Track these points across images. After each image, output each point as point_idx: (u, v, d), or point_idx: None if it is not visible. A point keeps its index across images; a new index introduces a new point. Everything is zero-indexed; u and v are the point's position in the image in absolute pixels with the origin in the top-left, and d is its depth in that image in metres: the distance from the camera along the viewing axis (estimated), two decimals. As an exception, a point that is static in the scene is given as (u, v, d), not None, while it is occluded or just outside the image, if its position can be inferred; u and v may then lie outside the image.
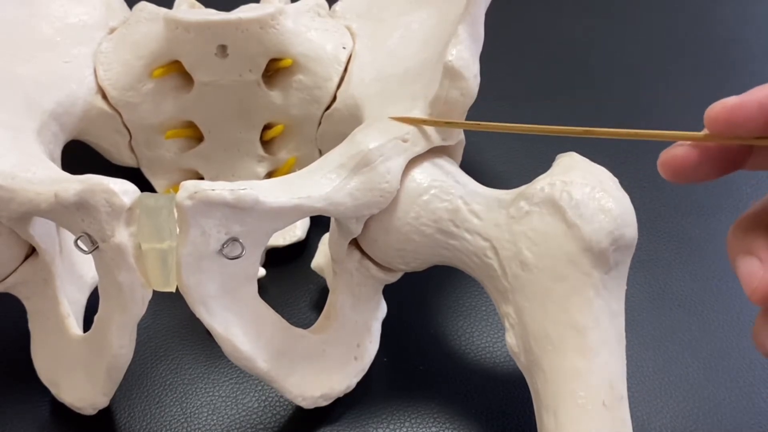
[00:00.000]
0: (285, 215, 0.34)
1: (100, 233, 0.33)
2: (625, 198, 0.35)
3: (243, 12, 0.43)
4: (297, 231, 0.47)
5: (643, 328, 0.45)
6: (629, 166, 0.54)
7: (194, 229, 0.32)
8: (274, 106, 0.46)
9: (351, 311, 0.39)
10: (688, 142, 0.29)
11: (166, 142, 0.46)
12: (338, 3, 0.48)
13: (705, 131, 0.29)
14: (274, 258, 0.47)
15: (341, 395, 0.39)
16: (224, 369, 0.42)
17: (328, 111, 0.45)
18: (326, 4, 0.47)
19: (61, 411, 0.40)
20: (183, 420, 0.40)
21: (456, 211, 0.36)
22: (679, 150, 0.29)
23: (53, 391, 0.39)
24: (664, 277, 0.47)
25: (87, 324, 0.39)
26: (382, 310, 0.41)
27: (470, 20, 0.36)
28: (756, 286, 0.28)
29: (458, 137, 0.38)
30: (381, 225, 0.36)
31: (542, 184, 0.35)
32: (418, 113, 0.37)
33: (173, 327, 0.44)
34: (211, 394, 0.41)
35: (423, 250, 0.37)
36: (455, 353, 0.44)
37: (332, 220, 0.38)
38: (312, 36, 0.44)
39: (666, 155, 0.30)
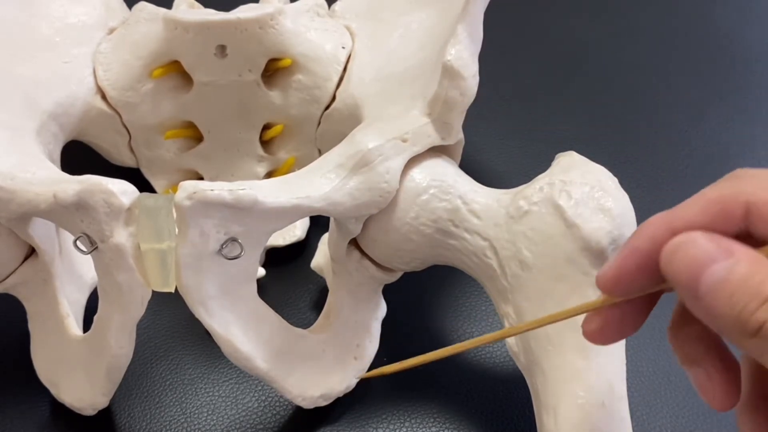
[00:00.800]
0: (284, 215, 0.34)
1: (99, 234, 0.33)
2: (624, 197, 0.35)
3: (242, 12, 0.43)
4: (297, 231, 0.47)
5: (643, 328, 0.44)
6: (629, 165, 0.54)
7: (193, 230, 0.32)
8: (274, 106, 0.46)
9: (350, 311, 0.39)
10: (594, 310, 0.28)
11: (165, 142, 0.46)
12: (337, 3, 0.48)
13: (599, 298, 0.28)
14: (274, 258, 0.47)
15: (341, 395, 0.39)
16: (224, 369, 0.42)
17: (328, 111, 0.45)
18: (325, 4, 0.47)
19: (60, 411, 0.40)
20: (183, 420, 0.40)
21: (455, 210, 0.36)
22: (594, 324, 0.28)
23: (53, 391, 0.39)
24: (664, 277, 0.47)
25: (87, 324, 0.39)
26: (382, 309, 0.41)
27: (469, 20, 0.36)
28: (712, 399, 0.27)
29: (457, 137, 0.38)
30: (380, 225, 0.36)
31: (541, 183, 0.35)
32: (418, 113, 0.37)
33: (173, 327, 0.44)
34: (211, 394, 0.41)
35: (422, 250, 0.37)
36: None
37: (331, 219, 0.38)
38: (311, 36, 0.44)
39: (586, 328, 0.28)
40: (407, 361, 0.31)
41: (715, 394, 0.27)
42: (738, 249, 0.24)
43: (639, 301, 0.28)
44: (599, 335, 0.28)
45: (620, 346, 0.34)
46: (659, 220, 0.26)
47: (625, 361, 0.34)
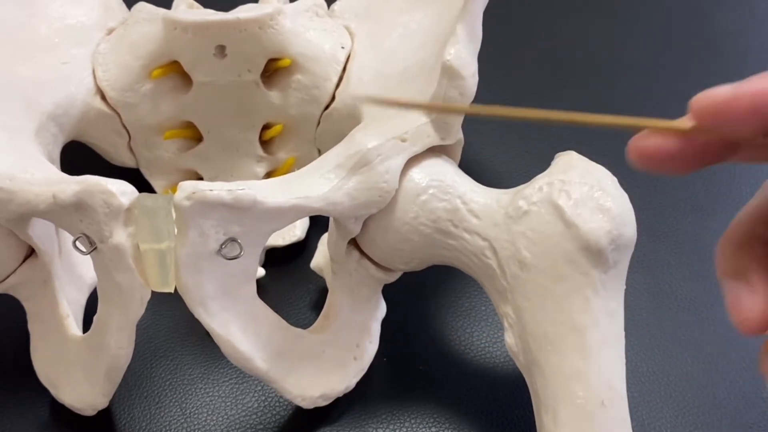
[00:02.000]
0: (283, 215, 0.34)
1: (99, 234, 0.33)
2: (623, 197, 0.35)
3: (241, 12, 0.43)
4: (296, 231, 0.47)
5: (643, 328, 0.45)
6: (628, 165, 0.54)
7: (192, 230, 0.32)
8: (273, 106, 0.46)
9: (350, 311, 0.39)
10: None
11: (164, 142, 0.46)
12: (337, 3, 0.48)
13: (691, 122, 0.25)
14: (274, 258, 0.47)
15: (341, 395, 0.39)
16: (224, 369, 0.42)
17: (327, 111, 0.45)
18: (325, 4, 0.47)
19: (60, 411, 0.40)
20: (183, 420, 0.40)
21: (454, 210, 0.36)
22: (654, 139, 0.25)
23: (52, 391, 0.39)
24: (664, 277, 0.47)
25: (86, 324, 0.39)
26: (382, 310, 0.41)
27: (468, 19, 0.36)
28: (744, 317, 0.26)
29: (457, 136, 0.38)
30: (379, 225, 0.36)
31: (541, 183, 0.35)
32: (417, 112, 0.37)
33: (173, 327, 0.44)
34: (211, 394, 0.41)
35: (422, 250, 0.37)
36: (455, 353, 0.43)
37: (331, 219, 0.37)
38: (310, 36, 0.44)
39: (639, 141, 0.25)
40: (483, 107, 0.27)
41: (751, 312, 0.26)
42: None
43: (702, 151, 0.25)
44: (647, 154, 0.25)
45: (620, 346, 0.34)
46: None
47: (624, 361, 0.34)
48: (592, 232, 0.33)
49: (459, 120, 0.37)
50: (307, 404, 0.38)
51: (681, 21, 0.68)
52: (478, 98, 0.37)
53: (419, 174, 0.36)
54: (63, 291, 0.39)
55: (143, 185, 0.47)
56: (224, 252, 0.33)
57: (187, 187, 0.32)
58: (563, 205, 0.33)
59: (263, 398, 0.41)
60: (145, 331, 0.44)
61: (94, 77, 0.44)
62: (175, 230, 0.33)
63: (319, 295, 0.46)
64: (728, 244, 0.27)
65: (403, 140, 0.36)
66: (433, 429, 0.40)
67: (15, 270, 0.38)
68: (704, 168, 0.26)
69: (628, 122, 0.26)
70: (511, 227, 0.35)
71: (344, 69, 0.44)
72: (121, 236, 0.33)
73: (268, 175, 0.48)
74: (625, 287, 0.35)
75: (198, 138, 0.47)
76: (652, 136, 0.25)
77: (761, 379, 0.42)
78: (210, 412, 0.41)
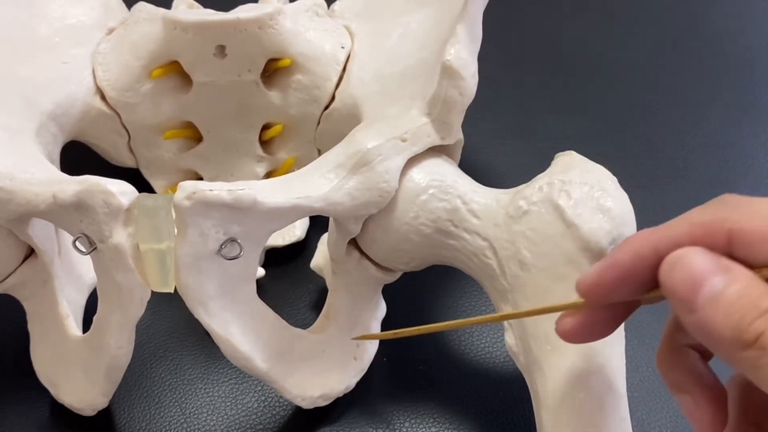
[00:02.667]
0: (283, 215, 0.34)
1: (99, 234, 0.33)
2: (624, 197, 0.35)
3: (241, 12, 0.43)
4: (296, 231, 0.47)
5: (643, 328, 0.45)
6: (629, 165, 0.54)
7: (192, 230, 0.32)
8: (273, 106, 0.46)
9: (350, 311, 0.39)
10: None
11: (165, 142, 0.46)
12: (337, 3, 0.48)
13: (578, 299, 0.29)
14: (274, 258, 0.47)
15: (341, 395, 0.39)
16: (224, 369, 0.42)
17: (327, 111, 0.45)
18: (325, 4, 0.47)
19: (60, 411, 0.40)
20: (183, 420, 0.40)
21: (455, 210, 0.36)
22: (568, 319, 0.29)
23: (52, 391, 0.39)
24: (664, 277, 0.47)
25: (86, 324, 0.39)
26: (382, 309, 0.41)
27: (468, 20, 0.36)
28: (700, 426, 0.28)
29: (457, 137, 0.38)
30: (380, 225, 0.36)
31: (541, 183, 0.35)
32: (417, 112, 0.37)
33: (173, 327, 0.44)
34: (210, 394, 0.41)
35: (422, 250, 0.37)
36: (455, 353, 0.43)
37: (331, 219, 0.37)
38: (310, 36, 0.44)
39: (559, 327, 0.29)
40: (404, 330, 0.32)
41: (703, 421, 0.28)
42: (735, 267, 0.25)
43: (613, 310, 0.29)
44: (571, 334, 0.29)
45: (620, 346, 0.34)
46: (644, 237, 0.27)
47: (624, 361, 0.34)
48: (593, 232, 0.33)
49: (459, 120, 0.37)
50: (307, 404, 0.38)
51: (681, 21, 0.68)
52: (479, 98, 0.37)
53: (419, 174, 0.36)
54: (63, 291, 0.39)
55: (143, 185, 0.47)
56: (224, 252, 0.33)
57: (187, 187, 0.32)
58: (563, 205, 0.33)
59: (263, 398, 0.41)
60: (145, 331, 0.44)
61: (94, 77, 0.44)
62: (175, 230, 0.33)
63: (319, 295, 0.46)
64: (662, 363, 0.30)
65: (404, 140, 0.36)
66: (433, 429, 0.40)
67: (15, 270, 0.38)
68: (623, 321, 0.29)
69: (535, 311, 0.30)
70: (511, 227, 0.35)
71: (344, 69, 0.44)
72: (121, 236, 0.33)
73: (268, 175, 0.48)
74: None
75: (198, 138, 0.47)
76: (566, 318, 0.29)
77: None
78: (210, 412, 0.41)
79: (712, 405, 0.28)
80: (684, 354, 0.29)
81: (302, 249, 0.48)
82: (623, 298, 0.28)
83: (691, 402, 0.28)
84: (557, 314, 0.33)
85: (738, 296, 0.24)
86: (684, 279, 0.25)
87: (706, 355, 0.29)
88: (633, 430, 0.34)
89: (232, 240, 0.33)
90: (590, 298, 0.28)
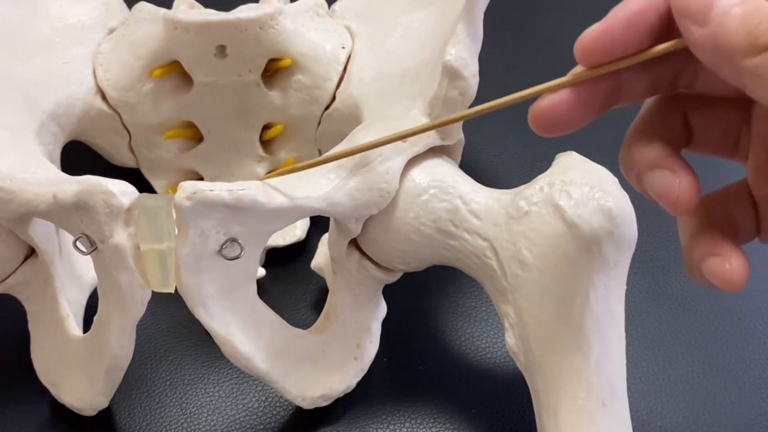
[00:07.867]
0: (284, 215, 0.34)
1: (99, 234, 0.33)
2: (624, 197, 0.34)
3: (242, 12, 0.43)
4: (297, 231, 0.47)
5: (643, 328, 0.45)
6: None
7: (193, 230, 0.32)
8: (274, 106, 0.46)
9: (350, 311, 0.39)
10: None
11: (165, 142, 0.46)
12: (337, 3, 0.48)
13: (568, 76, 0.28)
14: (274, 258, 0.47)
15: (341, 395, 0.39)
16: (224, 369, 0.42)
17: (328, 111, 0.45)
18: (325, 4, 0.47)
19: (60, 411, 0.40)
20: (183, 420, 0.40)
21: (455, 211, 0.36)
22: (546, 101, 0.28)
23: (53, 391, 0.39)
24: (664, 277, 0.47)
25: (87, 324, 0.39)
26: (382, 310, 0.41)
27: (469, 20, 0.36)
28: (677, 197, 0.27)
29: (457, 137, 0.38)
30: (380, 225, 0.36)
31: (541, 183, 0.35)
32: (417, 113, 0.37)
33: (173, 327, 0.44)
34: (211, 394, 0.41)
35: (422, 250, 0.37)
36: (455, 353, 0.43)
37: (331, 220, 0.37)
38: (311, 36, 0.44)
39: (534, 109, 0.28)
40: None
41: (680, 192, 0.27)
42: None
43: (592, 93, 0.28)
44: (546, 115, 0.28)
45: (621, 346, 0.34)
46: None
47: (625, 361, 0.34)
48: (593, 233, 0.33)
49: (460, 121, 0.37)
50: (307, 404, 0.38)
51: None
52: (479, 98, 0.37)
53: (420, 174, 0.36)
54: (63, 291, 0.39)
55: (143, 185, 0.47)
56: (225, 252, 0.33)
57: (188, 187, 0.32)
58: (564, 206, 0.33)
59: (263, 398, 0.41)
60: (145, 331, 0.44)
61: (95, 77, 0.44)
62: (176, 230, 0.33)
63: (319, 295, 0.46)
64: (633, 147, 0.29)
65: (404, 140, 0.36)
66: (433, 429, 0.40)
67: (15, 270, 0.38)
68: (599, 116, 0.28)
69: (527, 93, 0.29)
70: (511, 227, 0.35)
71: (345, 69, 0.44)
72: (121, 236, 0.33)
73: (269, 175, 0.48)
74: (625, 287, 0.35)
75: (199, 138, 0.47)
76: (544, 98, 0.28)
77: (761, 380, 0.42)
78: (210, 412, 0.41)
79: (689, 174, 0.28)
80: (661, 128, 0.29)
81: (303, 249, 0.48)
82: (628, 50, 0.27)
83: (669, 174, 0.28)
84: (557, 314, 0.33)
85: (756, 6, 0.24)
86: None
87: (677, 145, 0.29)
88: (633, 430, 0.34)
89: (233, 240, 0.33)
90: (589, 56, 0.27)
